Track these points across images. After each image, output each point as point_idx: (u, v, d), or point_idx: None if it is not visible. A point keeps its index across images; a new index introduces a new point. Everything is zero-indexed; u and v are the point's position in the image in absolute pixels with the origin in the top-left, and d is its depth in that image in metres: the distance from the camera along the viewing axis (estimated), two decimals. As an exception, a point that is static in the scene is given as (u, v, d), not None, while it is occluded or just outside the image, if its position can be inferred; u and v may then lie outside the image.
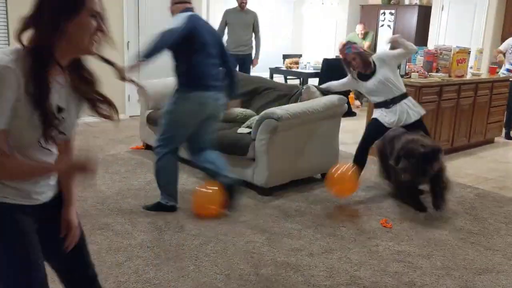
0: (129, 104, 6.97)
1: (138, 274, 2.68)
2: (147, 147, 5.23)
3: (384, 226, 3.46)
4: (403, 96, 4.00)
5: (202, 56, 3.41)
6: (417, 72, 5.28)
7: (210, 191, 3.22)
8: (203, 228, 3.30)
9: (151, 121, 4.99)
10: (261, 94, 4.88)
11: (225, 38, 6.94)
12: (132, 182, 4.19)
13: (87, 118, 1.40)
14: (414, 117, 3.96)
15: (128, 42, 6.76)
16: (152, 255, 2.90)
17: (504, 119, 6.50)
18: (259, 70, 7.37)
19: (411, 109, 3.98)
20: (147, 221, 3.39)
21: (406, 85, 4.94)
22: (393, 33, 9.32)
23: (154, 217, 3.45)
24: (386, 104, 3.94)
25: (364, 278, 2.73)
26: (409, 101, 4.02)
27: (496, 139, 6.39)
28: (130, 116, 6.94)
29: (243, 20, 6.86)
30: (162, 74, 5.66)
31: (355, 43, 4.23)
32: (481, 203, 4.05)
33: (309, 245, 3.12)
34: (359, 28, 8.70)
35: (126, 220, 3.39)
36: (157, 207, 3.54)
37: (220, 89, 3.52)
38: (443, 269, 2.88)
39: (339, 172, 3.62)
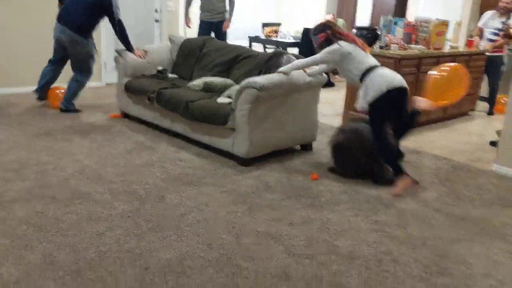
0: (106, 71, 6.83)
1: (119, 244, 2.67)
2: (125, 115, 5.16)
3: (313, 179, 3.76)
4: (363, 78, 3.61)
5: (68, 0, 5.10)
6: (397, 44, 5.30)
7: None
8: (183, 198, 3.30)
9: (129, 89, 4.91)
10: (241, 63, 4.82)
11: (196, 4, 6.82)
12: (111, 150, 4.14)
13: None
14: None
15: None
16: (133, 225, 2.90)
17: (484, 94, 6.63)
18: (237, 39, 7.28)
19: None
20: (128, 190, 3.37)
21: (385, 57, 5.00)
22: (373, 4, 9.31)
23: (134, 186, 3.44)
24: None
25: (343, 247, 2.79)
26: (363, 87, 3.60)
27: (470, 112, 6.52)
28: (106, 84, 6.82)
29: None
30: (138, 42, 5.57)
31: (325, 28, 3.79)
32: (456, 174, 4.15)
33: (290, 215, 3.16)
34: (328, 19, 8.32)
35: (105, 190, 3.36)
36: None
37: (69, 26, 4.96)
38: (419, 238, 2.96)
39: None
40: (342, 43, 3.65)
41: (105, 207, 3.11)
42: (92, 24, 5.08)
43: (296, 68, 3.92)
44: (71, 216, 2.96)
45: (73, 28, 4.98)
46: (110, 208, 3.09)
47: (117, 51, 5.11)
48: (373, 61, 3.68)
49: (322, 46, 3.71)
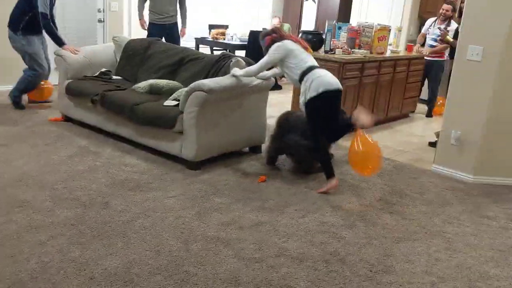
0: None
1: (62, 253, 2.57)
2: (67, 119, 4.98)
3: (261, 182, 3.80)
4: (300, 80, 3.74)
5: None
6: (341, 48, 5.42)
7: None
8: (129, 204, 3.22)
9: (71, 91, 4.74)
10: (187, 65, 4.76)
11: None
12: (52, 156, 3.98)
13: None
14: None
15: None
16: (76, 233, 2.79)
17: (424, 97, 6.91)
18: (184, 40, 7.20)
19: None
20: (70, 197, 3.25)
21: (330, 61, 5.10)
22: (318, 9, 9.48)
23: (77, 193, 3.32)
24: None
25: (291, 250, 2.82)
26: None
27: (410, 114, 6.77)
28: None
29: None
30: (81, 43, 5.40)
31: (270, 32, 3.99)
32: (398, 175, 4.29)
33: (239, 218, 3.15)
34: (275, 22, 8.31)
35: (47, 197, 3.23)
36: None
37: (10, 25, 5.12)
38: (365, 238, 3.04)
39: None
40: (285, 41, 3.82)
41: (47, 215, 2.98)
42: (21, 18, 5.07)
43: (249, 75, 3.97)
44: (9, 225, 2.81)
45: (9, 23, 5.14)
46: (52, 216, 2.97)
47: (56, 52, 4.93)
48: (313, 61, 3.81)
49: (268, 48, 3.85)
